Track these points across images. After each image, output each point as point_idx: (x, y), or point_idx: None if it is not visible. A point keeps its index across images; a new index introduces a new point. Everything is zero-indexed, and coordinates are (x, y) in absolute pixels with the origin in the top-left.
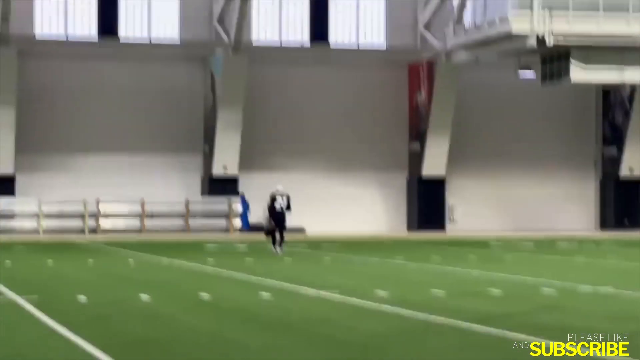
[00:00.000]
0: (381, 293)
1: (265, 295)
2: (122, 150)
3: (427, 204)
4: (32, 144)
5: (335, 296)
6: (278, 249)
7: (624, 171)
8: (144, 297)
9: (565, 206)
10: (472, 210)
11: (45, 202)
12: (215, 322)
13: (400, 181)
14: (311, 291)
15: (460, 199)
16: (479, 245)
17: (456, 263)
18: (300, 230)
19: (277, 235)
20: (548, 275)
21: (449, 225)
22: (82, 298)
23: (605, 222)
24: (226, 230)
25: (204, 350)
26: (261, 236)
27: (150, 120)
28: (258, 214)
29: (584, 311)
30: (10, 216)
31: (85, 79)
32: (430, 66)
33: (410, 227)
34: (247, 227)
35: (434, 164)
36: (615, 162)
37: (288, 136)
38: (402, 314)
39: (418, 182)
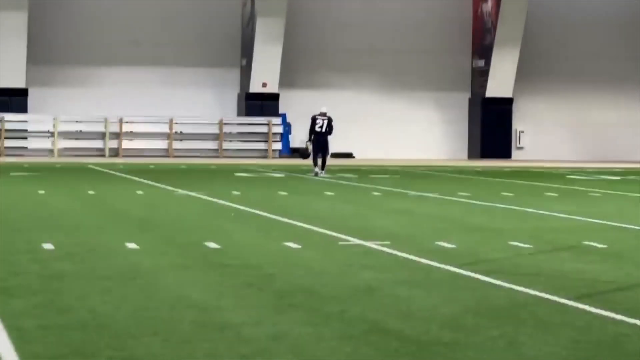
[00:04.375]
0: (445, 246)
1: (292, 247)
2: (149, 64)
3: (491, 129)
4: (46, 55)
5: (385, 250)
6: (319, 171)
7: None
8: (131, 245)
9: None
10: (541, 136)
11: (62, 120)
12: (213, 289)
13: (461, 102)
14: (354, 242)
15: (528, 123)
16: (554, 178)
17: (534, 202)
18: (348, 155)
19: (319, 161)
20: None
21: (515, 153)
22: (48, 246)
23: None
24: (264, 154)
25: (180, 341)
26: (301, 162)
27: (181, 29)
28: (300, 137)
29: None
30: (22, 136)
31: None
32: None
33: (472, 154)
34: (288, 151)
35: (500, 84)
36: None
37: (335, 49)
38: (475, 281)
39: (482, 104)
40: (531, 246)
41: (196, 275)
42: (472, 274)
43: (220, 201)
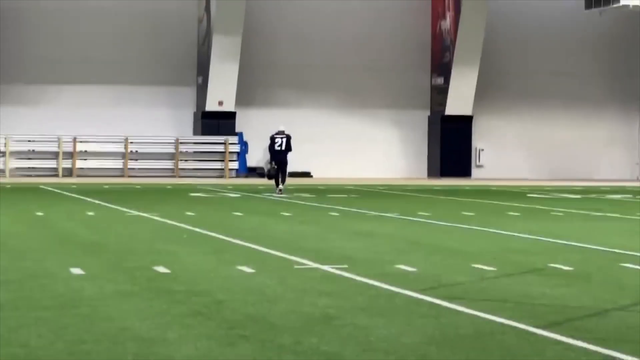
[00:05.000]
0: (406, 269)
1: (245, 271)
2: (103, 82)
3: (451, 147)
4: None
5: (343, 275)
6: (279, 190)
7: None
8: (75, 271)
9: (607, 151)
10: (501, 154)
11: (13, 139)
12: (159, 318)
13: (420, 120)
14: (310, 265)
15: (488, 141)
16: (515, 196)
17: (496, 222)
18: (306, 174)
19: (279, 178)
20: (620, 242)
21: (475, 171)
22: None
23: None
24: (221, 174)
25: None
26: (258, 181)
27: (136, 47)
28: (257, 156)
29: None
30: None
31: None
32: None
33: (432, 172)
34: (245, 170)
35: (459, 101)
36: None
37: (292, 67)
38: (438, 308)
39: (441, 122)
40: (495, 269)
41: (141, 303)
42: (435, 300)
43: (174, 222)
